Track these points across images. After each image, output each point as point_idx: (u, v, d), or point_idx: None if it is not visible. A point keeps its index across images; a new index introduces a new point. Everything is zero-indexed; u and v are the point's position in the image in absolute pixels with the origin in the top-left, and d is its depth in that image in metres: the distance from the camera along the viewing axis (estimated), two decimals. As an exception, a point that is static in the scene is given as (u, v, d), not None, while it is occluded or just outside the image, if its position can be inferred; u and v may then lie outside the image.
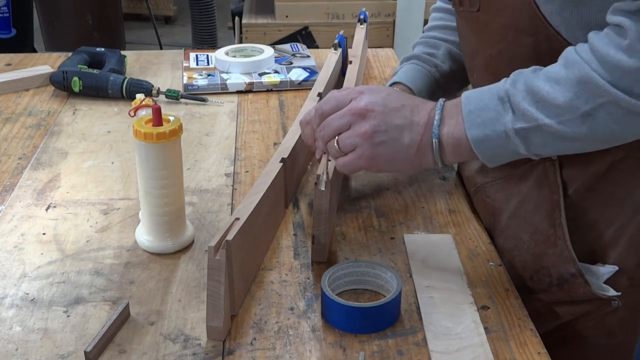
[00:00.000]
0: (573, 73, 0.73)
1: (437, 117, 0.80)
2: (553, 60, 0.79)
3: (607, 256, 0.88)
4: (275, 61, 1.54)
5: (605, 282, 0.88)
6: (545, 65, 0.79)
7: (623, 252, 0.88)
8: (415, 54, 1.11)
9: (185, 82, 1.45)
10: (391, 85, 1.06)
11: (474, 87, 0.94)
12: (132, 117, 1.00)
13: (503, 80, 0.78)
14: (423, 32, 1.16)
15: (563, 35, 0.79)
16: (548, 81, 0.74)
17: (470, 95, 0.80)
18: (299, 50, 1.64)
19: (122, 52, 1.53)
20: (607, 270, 0.87)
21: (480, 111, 0.78)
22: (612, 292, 0.87)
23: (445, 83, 1.08)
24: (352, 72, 1.26)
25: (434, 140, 0.80)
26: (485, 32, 0.88)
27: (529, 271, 0.91)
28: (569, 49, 0.75)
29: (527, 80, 0.76)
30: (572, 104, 0.73)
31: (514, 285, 0.86)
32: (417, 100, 0.84)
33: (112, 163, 1.15)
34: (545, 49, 0.81)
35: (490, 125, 0.77)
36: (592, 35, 0.74)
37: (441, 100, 0.82)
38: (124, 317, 0.80)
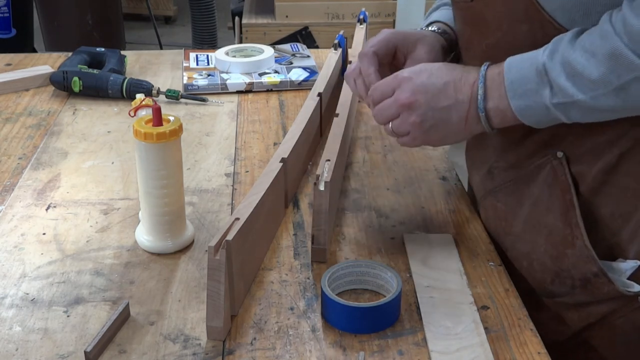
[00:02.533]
0: (606, 46, 0.73)
1: (480, 92, 0.82)
2: None
3: (627, 251, 0.85)
4: (275, 61, 1.54)
5: (628, 278, 0.85)
6: None
7: None
8: (444, 1, 1.08)
9: (185, 82, 1.45)
10: (430, 24, 1.03)
11: None
12: (132, 117, 1.00)
13: (542, 49, 0.79)
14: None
15: (558, 21, 0.79)
16: (584, 52, 0.75)
17: (511, 64, 0.81)
18: (299, 50, 1.64)
19: (122, 52, 1.53)
20: (629, 265, 0.85)
21: (521, 82, 0.79)
22: (637, 288, 0.84)
23: None
24: (352, 72, 1.26)
25: (480, 115, 0.83)
26: (480, 22, 0.88)
27: (550, 275, 0.88)
28: (605, 17, 0.75)
29: (565, 51, 0.76)
30: (605, 79, 0.73)
31: (535, 291, 0.84)
32: (459, 73, 0.85)
33: (112, 163, 1.15)
34: (540, 36, 0.80)
35: (532, 96, 0.79)
36: (624, 3, 0.73)
37: (483, 69, 0.83)
38: (124, 317, 0.80)
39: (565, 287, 0.87)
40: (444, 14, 1.06)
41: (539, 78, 0.78)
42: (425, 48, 0.97)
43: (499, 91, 0.81)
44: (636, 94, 0.73)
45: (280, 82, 1.45)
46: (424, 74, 0.86)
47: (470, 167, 1.06)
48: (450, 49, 1.03)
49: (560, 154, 0.86)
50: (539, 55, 0.78)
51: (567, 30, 0.78)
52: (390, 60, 0.98)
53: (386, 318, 0.79)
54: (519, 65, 0.80)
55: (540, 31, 0.80)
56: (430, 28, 1.03)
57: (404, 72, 0.87)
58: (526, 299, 0.86)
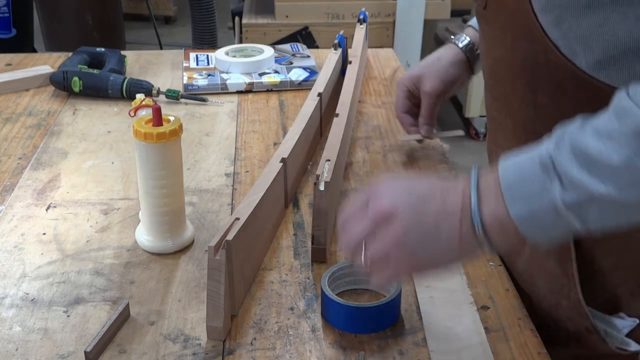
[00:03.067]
0: (627, 124, 0.59)
1: (473, 198, 0.66)
2: (550, 74, 0.73)
3: (629, 306, 0.81)
4: (275, 61, 1.54)
5: (627, 335, 0.81)
6: (539, 81, 0.74)
7: None
8: None
9: (185, 82, 1.45)
10: (467, 26, 1.08)
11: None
12: (132, 117, 1.00)
13: (546, 141, 0.65)
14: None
15: (561, 50, 0.72)
16: (598, 136, 0.60)
17: (507, 165, 0.66)
18: (299, 50, 1.64)
19: (122, 52, 1.53)
20: (627, 323, 0.80)
21: (522, 183, 0.64)
22: (634, 347, 0.80)
23: None
24: (352, 72, 1.26)
25: (475, 226, 0.65)
26: (488, 33, 0.86)
27: (548, 320, 0.85)
28: (620, 94, 0.61)
29: (573, 138, 0.62)
30: (630, 163, 0.58)
31: (539, 333, 0.80)
32: (444, 181, 0.70)
33: (112, 163, 1.15)
34: (542, 61, 0.75)
35: (536, 199, 0.63)
36: None
37: (474, 173, 0.68)
38: (124, 317, 0.80)
39: (561, 338, 0.85)
40: None
41: (545, 174, 0.62)
42: (428, 81, 1.06)
43: (495, 195, 0.65)
44: None
45: (280, 82, 1.45)
46: (403, 183, 0.71)
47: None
48: (476, 59, 1.07)
49: None
50: (542, 147, 0.64)
51: (571, 63, 0.71)
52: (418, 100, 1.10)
53: (386, 318, 0.79)
54: (517, 165, 0.65)
55: (543, 56, 0.74)
56: (458, 40, 1.08)
57: (379, 181, 0.72)
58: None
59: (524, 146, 0.67)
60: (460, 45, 1.08)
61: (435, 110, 1.10)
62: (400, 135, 1.17)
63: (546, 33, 0.73)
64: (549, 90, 0.77)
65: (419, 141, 1.18)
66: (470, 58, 1.08)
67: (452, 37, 1.10)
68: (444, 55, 1.08)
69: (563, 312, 0.83)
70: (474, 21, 1.09)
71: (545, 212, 0.62)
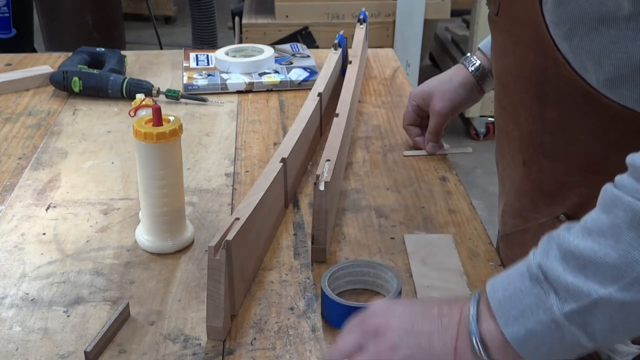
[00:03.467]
0: (618, 215, 0.55)
1: (472, 311, 0.62)
2: (560, 88, 0.71)
3: None
4: (275, 61, 1.54)
5: None
6: (547, 95, 0.72)
7: None
8: None
9: (185, 82, 1.45)
10: (478, 49, 1.11)
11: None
12: (132, 117, 1.00)
13: (532, 251, 0.61)
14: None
15: (572, 64, 0.70)
16: (589, 235, 0.56)
17: (495, 282, 0.62)
18: (299, 50, 1.64)
19: (122, 52, 1.53)
20: (631, 350, 0.76)
21: (513, 300, 0.59)
22: None
23: None
24: (352, 72, 1.26)
25: (473, 340, 0.61)
26: (500, 40, 0.84)
27: None
28: (606, 186, 0.58)
29: (561, 241, 0.58)
30: (629, 258, 0.53)
31: None
32: (445, 300, 0.67)
33: (112, 163, 1.15)
34: (552, 74, 0.73)
35: (532, 315, 0.58)
36: (631, 156, 0.56)
37: (477, 291, 0.64)
38: (124, 317, 0.80)
39: None
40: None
41: (537, 286, 0.58)
42: (437, 100, 1.10)
43: (488, 315, 0.61)
44: None
45: (280, 82, 1.45)
46: (401, 302, 0.69)
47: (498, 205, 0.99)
48: (485, 81, 1.10)
49: (563, 218, 0.76)
50: (529, 258, 0.61)
51: (581, 78, 0.69)
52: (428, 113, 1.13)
53: (386, 318, 0.79)
54: (505, 280, 0.61)
55: (552, 69, 0.72)
56: (468, 63, 1.11)
57: (377, 302, 0.69)
58: None
59: (528, 160, 0.64)
60: (471, 68, 1.11)
61: (442, 128, 1.15)
62: (404, 151, 1.18)
63: (557, 46, 0.71)
64: (558, 104, 0.75)
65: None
66: (480, 81, 1.11)
67: (464, 58, 1.13)
68: (455, 76, 1.12)
69: None
70: (483, 44, 1.11)
71: (544, 329, 0.57)
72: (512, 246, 0.92)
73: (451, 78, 1.12)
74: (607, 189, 0.57)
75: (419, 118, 1.17)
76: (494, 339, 0.60)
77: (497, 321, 0.60)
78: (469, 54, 1.13)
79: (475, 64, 1.11)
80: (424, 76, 1.74)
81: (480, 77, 1.10)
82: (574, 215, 0.78)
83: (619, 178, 0.57)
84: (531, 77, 0.77)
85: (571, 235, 0.58)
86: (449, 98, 1.11)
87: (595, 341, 0.57)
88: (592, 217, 0.58)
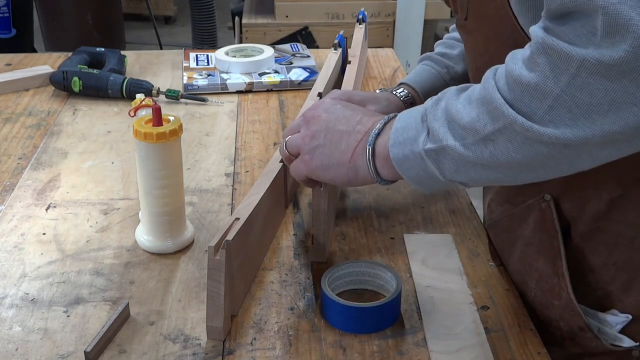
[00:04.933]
0: (481, 92, 0.66)
1: (378, 126, 0.76)
2: None
3: (621, 302, 0.80)
4: (275, 61, 1.54)
5: (620, 331, 0.81)
6: None
7: (639, 298, 0.79)
8: (429, 54, 1.10)
9: (185, 82, 1.45)
10: (399, 85, 1.06)
11: None
12: (132, 117, 1.00)
13: (431, 98, 0.74)
14: (448, 30, 1.15)
15: None
16: (464, 100, 0.68)
17: (402, 113, 0.76)
18: (299, 50, 1.64)
19: (122, 52, 1.53)
20: (620, 319, 0.80)
21: (404, 130, 0.73)
22: (627, 343, 0.80)
23: (457, 85, 1.06)
24: (351, 72, 1.26)
25: (367, 147, 0.76)
26: (472, 42, 0.86)
27: (541, 321, 0.86)
28: (492, 67, 0.68)
29: (449, 98, 0.70)
30: (473, 125, 0.65)
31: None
32: (373, 113, 0.82)
33: (112, 163, 1.15)
34: None
35: (409, 145, 0.72)
36: (510, 52, 0.66)
37: (392, 115, 0.78)
38: (124, 317, 0.80)
39: (555, 338, 0.85)
40: (419, 74, 1.07)
41: (421, 124, 0.72)
42: (374, 106, 0.96)
43: (388, 137, 0.75)
44: (504, 150, 0.64)
45: (280, 82, 1.45)
46: (342, 103, 0.83)
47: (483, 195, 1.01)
48: None
49: (547, 197, 0.81)
50: (427, 102, 0.74)
51: None
52: None
53: (386, 318, 0.79)
54: (408, 114, 0.75)
55: None
56: (394, 91, 1.04)
57: (332, 94, 0.87)
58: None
59: None
60: (400, 94, 1.04)
61: None
62: None
63: (527, 36, 0.72)
64: None
65: None
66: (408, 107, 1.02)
67: (384, 89, 1.06)
68: (382, 97, 1.02)
69: (555, 311, 0.83)
70: (408, 78, 1.07)
71: (414, 157, 0.71)
72: (499, 232, 0.93)
73: (380, 96, 1.02)
74: (490, 69, 0.67)
75: None
76: (382, 153, 0.75)
77: (389, 141, 0.74)
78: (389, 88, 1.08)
79: (403, 91, 1.05)
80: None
81: (410, 104, 1.03)
82: (559, 194, 0.81)
83: (501, 66, 0.66)
84: None
85: (457, 95, 0.70)
86: (387, 111, 0.96)
87: (444, 176, 0.70)
88: (474, 86, 0.69)
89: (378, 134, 0.76)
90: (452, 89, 0.72)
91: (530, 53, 0.61)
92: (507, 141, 0.63)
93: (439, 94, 0.73)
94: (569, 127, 0.59)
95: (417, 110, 0.74)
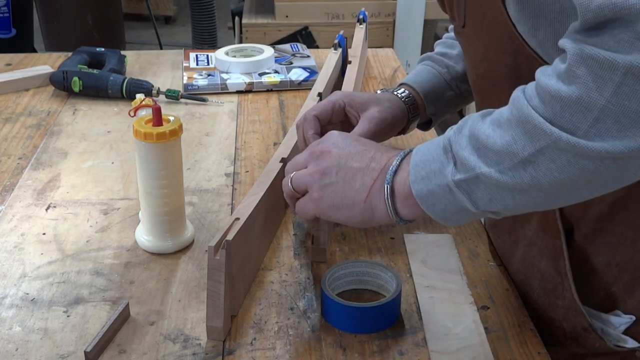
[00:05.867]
0: (512, 112, 0.63)
1: (395, 163, 0.72)
2: None
3: (624, 303, 0.80)
4: (275, 61, 1.54)
5: (624, 332, 0.81)
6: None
7: None
8: (429, 54, 1.10)
9: (185, 82, 1.45)
10: (399, 85, 1.05)
11: (477, 110, 0.89)
12: (132, 117, 1.00)
13: (450, 127, 0.70)
14: (448, 30, 1.14)
15: (543, 58, 0.72)
16: (492, 124, 0.65)
17: (420, 146, 0.71)
18: (299, 50, 1.64)
19: (122, 52, 1.53)
20: (623, 320, 0.80)
21: (425, 163, 0.69)
22: (631, 344, 0.80)
23: (458, 85, 1.06)
24: (351, 72, 1.26)
25: (385, 186, 0.71)
26: (470, 50, 0.85)
27: (543, 321, 0.85)
28: (519, 87, 0.65)
29: (473, 124, 0.66)
30: (509, 149, 0.62)
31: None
32: (386, 148, 0.77)
33: (112, 163, 1.15)
34: (525, 70, 0.74)
35: (434, 178, 0.68)
36: (539, 68, 0.63)
37: (409, 148, 0.74)
38: (124, 317, 0.80)
39: (557, 338, 0.85)
40: (419, 74, 1.06)
41: (445, 155, 0.67)
42: (377, 107, 0.95)
43: (407, 172, 0.71)
44: (547, 171, 0.61)
45: (280, 82, 1.45)
46: (352, 137, 0.78)
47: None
48: (415, 114, 1.02)
49: None
50: (447, 132, 0.70)
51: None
52: (342, 119, 0.96)
53: (386, 318, 0.79)
54: (426, 147, 0.70)
55: (525, 65, 0.74)
56: (395, 92, 1.03)
57: (334, 132, 0.79)
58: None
59: None
60: (400, 95, 1.02)
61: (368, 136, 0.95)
62: None
63: (526, 42, 0.73)
64: None
65: None
66: (410, 108, 1.01)
67: (385, 89, 1.04)
68: (383, 98, 1.00)
69: (558, 312, 0.83)
70: (408, 79, 1.06)
71: (441, 191, 0.67)
72: (500, 233, 0.93)
73: (382, 97, 0.99)
74: (518, 89, 0.64)
75: (328, 119, 0.96)
76: (402, 190, 0.71)
77: (409, 177, 0.70)
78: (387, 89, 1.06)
79: (404, 92, 1.02)
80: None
81: (411, 104, 1.01)
82: None
83: (529, 85, 0.63)
84: (506, 77, 0.77)
85: (482, 120, 0.66)
86: (390, 112, 0.97)
87: (477, 207, 0.66)
88: (502, 110, 0.65)
89: (395, 171, 0.71)
90: (474, 115, 0.68)
91: (567, 66, 0.58)
92: (550, 161, 0.60)
93: (460, 122, 0.69)
94: (618, 139, 0.56)
95: (436, 141, 0.70)
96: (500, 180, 0.63)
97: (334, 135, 0.78)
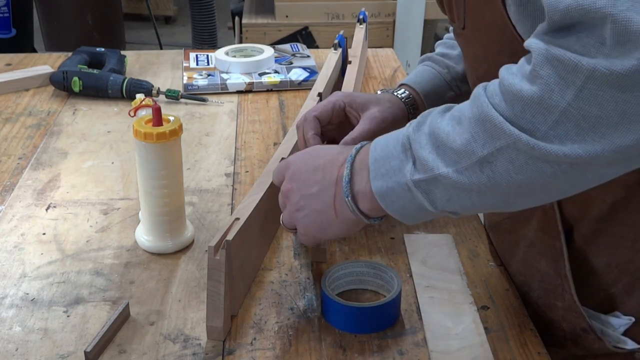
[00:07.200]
0: (472, 109, 0.61)
1: (346, 172, 0.71)
2: None
3: (624, 304, 0.80)
4: (275, 61, 1.54)
5: (623, 334, 0.81)
6: None
7: None
8: (429, 54, 1.10)
9: (185, 82, 1.45)
10: (400, 86, 1.05)
11: None
12: (132, 117, 1.00)
13: (409, 122, 0.69)
14: (448, 31, 1.14)
15: None
16: (451, 120, 0.63)
17: (378, 141, 0.71)
18: (299, 50, 1.64)
19: (122, 52, 1.53)
20: (623, 321, 0.80)
21: (385, 160, 0.68)
22: (630, 345, 0.80)
23: (458, 85, 1.06)
24: (351, 72, 1.26)
25: (347, 200, 0.71)
26: (470, 52, 0.85)
27: (543, 322, 0.85)
28: (480, 84, 0.63)
29: (433, 121, 0.65)
30: (468, 148, 0.61)
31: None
32: (334, 154, 0.76)
33: (112, 163, 1.15)
34: None
35: (394, 176, 0.67)
36: (504, 66, 0.62)
37: (354, 150, 0.73)
38: (124, 317, 0.80)
39: (557, 338, 0.85)
40: (419, 74, 1.06)
41: (404, 153, 0.67)
42: (378, 107, 0.95)
43: (365, 170, 0.70)
44: (504, 172, 0.60)
45: (280, 82, 1.45)
46: (300, 160, 0.78)
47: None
48: (415, 115, 1.01)
49: None
50: (406, 128, 0.68)
51: None
52: (343, 119, 0.96)
53: (386, 318, 0.79)
54: (385, 142, 0.70)
55: None
56: (395, 92, 1.02)
57: (289, 158, 0.81)
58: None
59: None
60: (401, 95, 1.02)
61: (368, 136, 0.93)
62: None
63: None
64: None
65: None
66: (410, 109, 1.01)
67: (385, 90, 1.04)
68: (383, 98, 0.99)
69: (558, 312, 0.83)
70: (408, 79, 1.06)
71: (400, 189, 0.67)
72: (500, 233, 0.93)
73: (382, 97, 0.99)
74: (479, 86, 0.63)
75: (328, 120, 0.95)
76: (363, 192, 0.70)
77: (369, 175, 0.69)
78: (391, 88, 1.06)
79: (404, 92, 1.02)
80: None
81: (411, 105, 1.01)
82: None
83: (492, 82, 0.62)
84: None
85: (442, 116, 0.65)
86: (391, 112, 0.97)
87: (435, 207, 0.66)
88: (462, 106, 0.64)
89: (350, 179, 0.71)
90: (435, 110, 0.67)
91: (532, 65, 0.57)
92: (508, 162, 0.59)
93: (419, 117, 0.68)
94: (577, 143, 0.56)
95: (395, 136, 0.69)
96: (458, 181, 0.62)
97: (290, 163, 0.79)
